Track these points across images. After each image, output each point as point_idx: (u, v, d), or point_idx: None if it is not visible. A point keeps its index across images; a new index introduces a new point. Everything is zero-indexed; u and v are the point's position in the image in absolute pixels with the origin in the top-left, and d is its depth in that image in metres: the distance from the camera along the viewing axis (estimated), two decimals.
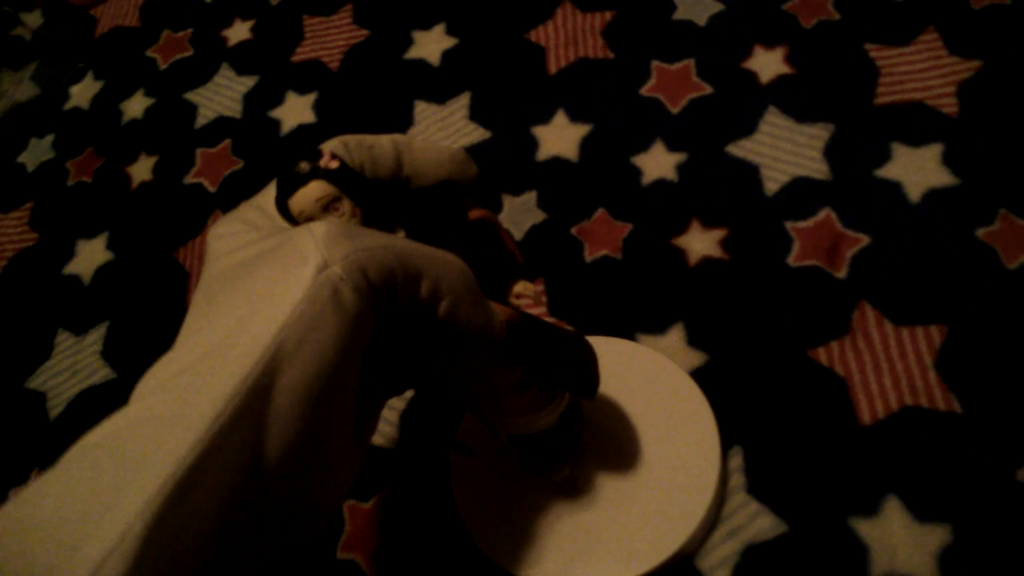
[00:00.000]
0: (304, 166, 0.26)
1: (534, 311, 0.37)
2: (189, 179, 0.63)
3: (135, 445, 0.19)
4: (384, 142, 0.29)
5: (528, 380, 0.31)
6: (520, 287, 0.32)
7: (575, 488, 0.40)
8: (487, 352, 0.29)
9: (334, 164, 0.26)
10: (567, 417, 0.35)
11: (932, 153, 0.48)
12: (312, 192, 0.26)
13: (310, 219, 0.26)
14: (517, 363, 0.30)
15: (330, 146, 0.28)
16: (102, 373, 0.55)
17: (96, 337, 0.57)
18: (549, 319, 0.34)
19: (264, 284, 0.22)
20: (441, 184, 0.31)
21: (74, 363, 0.57)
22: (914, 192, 0.47)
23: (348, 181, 0.27)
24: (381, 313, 0.23)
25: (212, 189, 0.62)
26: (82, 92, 0.74)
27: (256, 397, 0.20)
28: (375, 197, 0.28)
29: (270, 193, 0.27)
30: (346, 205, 0.27)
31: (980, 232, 0.44)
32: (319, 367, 0.21)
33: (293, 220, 0.26)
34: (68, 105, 0.73)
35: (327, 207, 0.26)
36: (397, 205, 0.29)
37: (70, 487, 0.19)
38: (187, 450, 0.19)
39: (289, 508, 0.21)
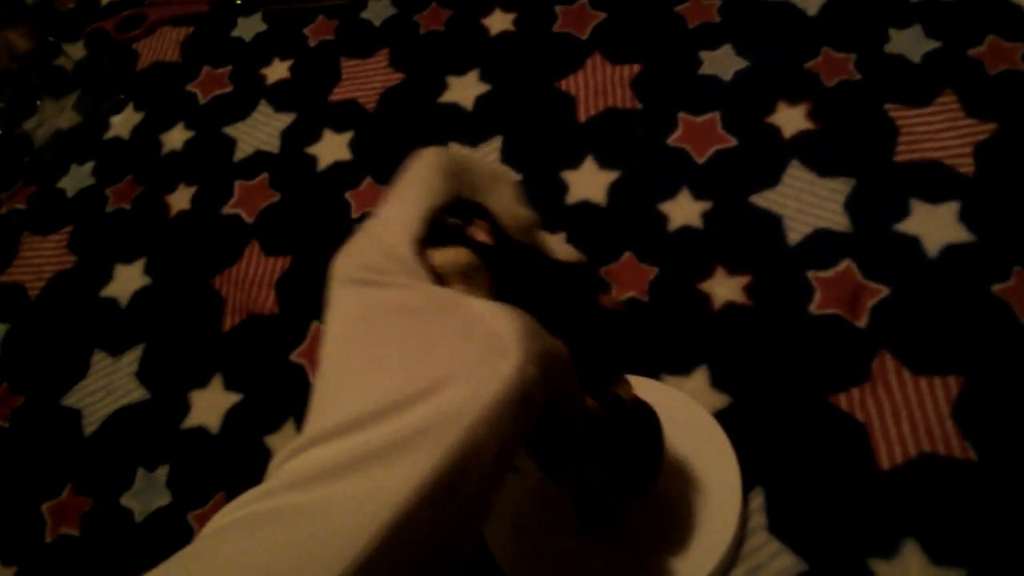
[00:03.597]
0: (455, 223, 0.25)
1: None
2: (227, 210, 0.65)
3: (330, 519, 0.20)
4: (485, 173, 0.27)
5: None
6: (622, 390, 0.32)
7: (601, 522, 0.41)
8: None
9: (486, 239, 0.25)
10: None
11: (949, 210, 0.50)
12: (457, 256, 0.24)
13: (441, 275, 0.24)
14: None
15: (428, 163, 0.25)
16: (137, 393, 0.57)
17: (132, 358, 0.59)
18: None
19: (454, 358, 0.22)
20: (577, 264, 0.31)
21: (109, 383, 0.58)
22: (932, 247, 0.49)
23: (494, 257, 0.25)
24: None
25: (249, 220, 0.64)
26: (123, 122, 0.76)
27: (440, 486, 0.20)
28: (512, 270, 0.26)
29: (391, 227, 0.25)
30: (482, 279, 0.25)
31: (996, 288, 0.46)
32: (494, 465, 0.21)
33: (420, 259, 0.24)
34: (109, 134, 0.76)
35: (463, 273, 0.25)
36: (530, 278, 0.27)
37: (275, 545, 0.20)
38: (368, 540, 0.19)
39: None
